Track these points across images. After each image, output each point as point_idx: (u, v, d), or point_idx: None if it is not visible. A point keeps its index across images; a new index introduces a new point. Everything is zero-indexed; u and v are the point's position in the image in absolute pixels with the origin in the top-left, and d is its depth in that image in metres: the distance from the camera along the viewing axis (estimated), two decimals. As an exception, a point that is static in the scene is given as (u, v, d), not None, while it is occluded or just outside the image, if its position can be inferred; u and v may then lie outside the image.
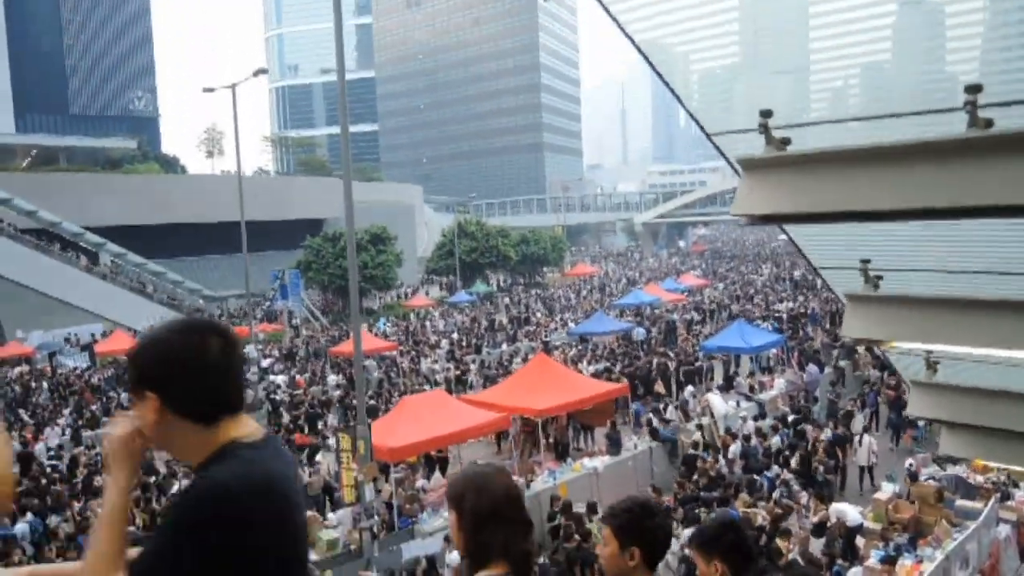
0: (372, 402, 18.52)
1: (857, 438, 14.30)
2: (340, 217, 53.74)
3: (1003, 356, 3.67)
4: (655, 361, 21.18)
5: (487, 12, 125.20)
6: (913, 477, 12.47)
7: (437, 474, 13.48)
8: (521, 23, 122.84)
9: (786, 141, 2.16)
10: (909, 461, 13.30)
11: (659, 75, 2.72)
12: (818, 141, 2.41)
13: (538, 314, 39.42)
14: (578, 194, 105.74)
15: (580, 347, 27.35)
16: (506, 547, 1.80)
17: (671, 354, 22.63)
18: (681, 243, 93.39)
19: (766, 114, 2.17)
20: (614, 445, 14.22)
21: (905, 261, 3.62)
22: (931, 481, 12.60)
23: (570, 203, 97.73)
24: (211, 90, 22.70)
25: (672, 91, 2.75)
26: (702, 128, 2.86)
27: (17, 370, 31.02)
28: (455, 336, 33.30)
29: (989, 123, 1.75)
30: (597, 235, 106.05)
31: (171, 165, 72.81)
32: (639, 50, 2.60)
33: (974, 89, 1.76)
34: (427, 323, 40.16)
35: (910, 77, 2.58)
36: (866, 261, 3.35)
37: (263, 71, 21.49)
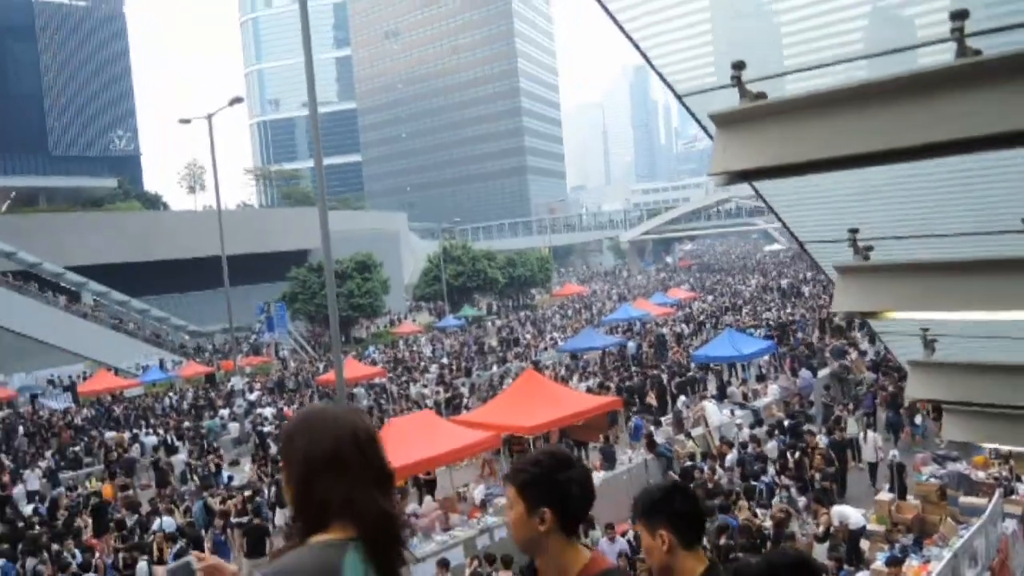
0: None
1: (861, 435, 14.14)
2: (325, 247, 53.56)
3: (1002, 327, 3.49)
4: (648, 375, 20.95)
5: (465, 40, 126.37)
6: (899, 470, 12.24)
7: (428, 498, 13.10)
8: (499, 49, 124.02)
9: (761, 95, 2.05)
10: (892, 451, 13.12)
11: (628, 36, 2.57)
12: (795, 90, 2.26)
13: (528, 335, 39.14)
14: (563, 215, 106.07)
15: (571, 363, 27.09)
16: (350, 504, 1.42)
17: (663, 367, 22.40)
18: (668, 259, 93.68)
19: (738, 66, 2.05)
20: (608, 460, 13.91)
21: (893, 228, 3.45)
22: (932, 480, 12.37)
23: (555, 224, 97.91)
24: (187, 121, 22.52)
25: (640, 51, 2.61)
26: (672, 89, 2.72)
27: (-1, 414, 30.34)
28: (444, 360, 32.94)
29: (977, 52, 1.68)
30: (584, 255, 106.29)
31: (153, 203, 72.44)
32: (606, 10, 2.47)
33: (960, 16, 1.68)
34: (414, 348, 39.78)
35: (889, 12, 2.50)
36: (854, 231, 3.18)
37: (239, 99, 21.33)
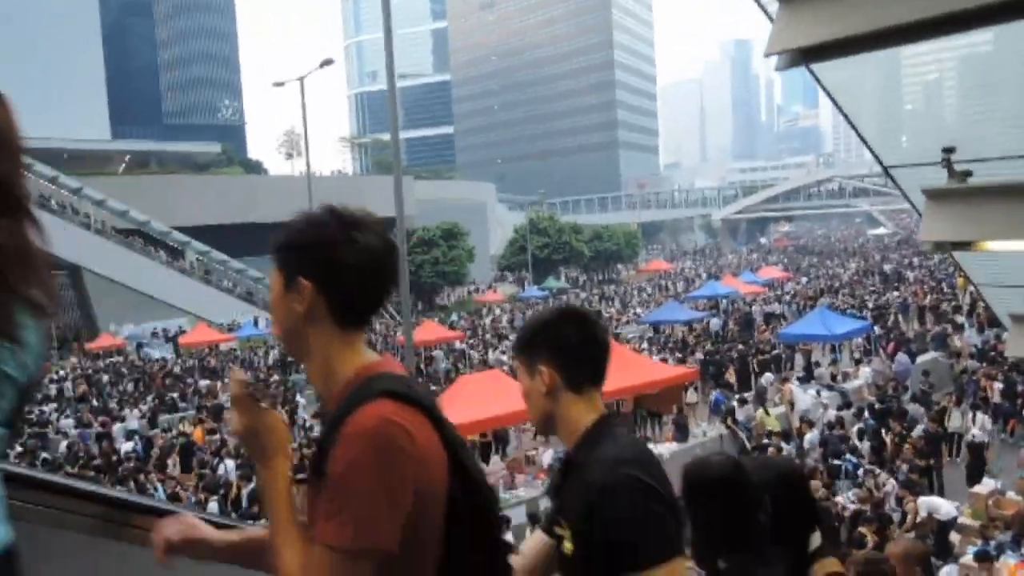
0: (437, 389, 18.33)
1: (969, 418, 13.22)
2: (414, 215, 54.51)
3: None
4: (733, 349, 20.22)
5: (560, 11, 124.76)
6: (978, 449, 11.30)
7: (495, 457, 13.09)
8: (595, 21, 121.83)
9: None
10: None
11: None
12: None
13: (612, 309, 38.62)
14: (654, 191, 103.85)
15: (653, 337, 26.55)
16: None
17: (748, 344, 21.55)
18: (763, 240, 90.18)
19: (949, 150, 2.26)
20: (681, 431, 13.50)
21: (994, 148, 3.07)
22: (1034, 471, 11.38)
23: (645, 200, 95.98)
24: (281, 84, 23.14)
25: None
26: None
27: (109, 361, 32.57)
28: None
29: None
30: (674, 233, 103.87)
31: (254, 168, 75.56)
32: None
33: None
34: (496, 316, 39.99)
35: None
36: (949, 150, 2.80)
37: (329, 62, 21.74)
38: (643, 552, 1.40)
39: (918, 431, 12.75)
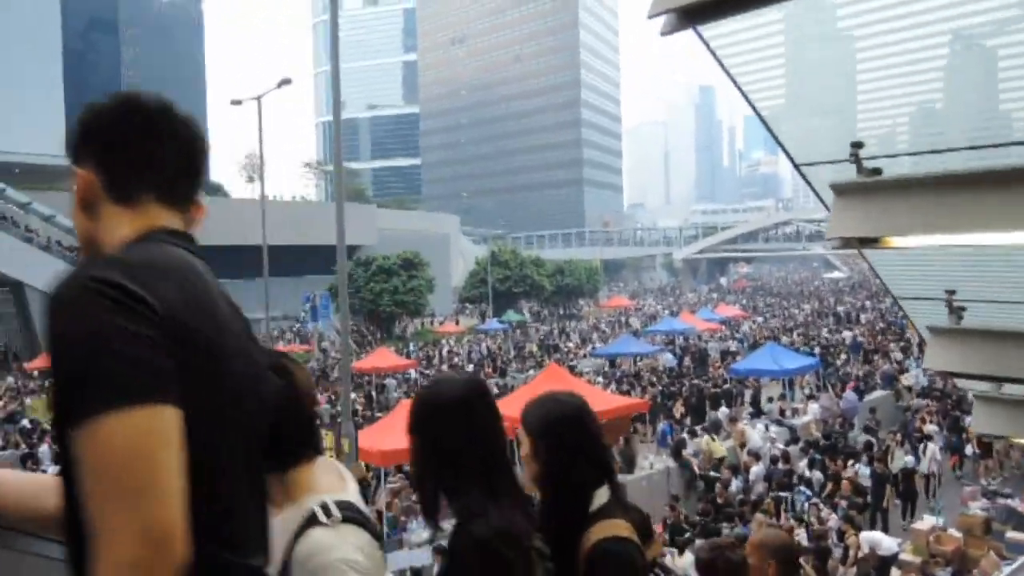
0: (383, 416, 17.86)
1: (921, 447, 13.59)
2: (374, 244, 54.03)
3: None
4: (686, 384, 20.14)
5: (530, 49, 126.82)
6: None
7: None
8: (563, 60, 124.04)
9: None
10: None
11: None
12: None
13: (570, 343, 38.50)
14: (617, 229, 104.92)
15: (608, 372, 26.41)
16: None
17: (700, 380, 21.54)
18: (723, 280, 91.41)
19: (857, 145, 2.25)
20: (627, 463, 13.27)
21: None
22: (979, 512, 11.38)
23: (609, 238, 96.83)
24: (239, 102, 22.83)
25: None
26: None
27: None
28: (480, 359, 32.65)
29: None
30: (637, 271, 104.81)
31: (214, 191, 74.26)
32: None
33: None
34: (453, 347, 39.60)
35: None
36: (858, 145, 2.78)
37: (287, 81, 21.55)
38: (85, 397, 0.90)
39: (863, 469, 12.68)
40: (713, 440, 13.82)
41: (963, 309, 2.87)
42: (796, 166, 2.92)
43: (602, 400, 14.17)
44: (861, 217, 2.27)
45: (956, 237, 2.21)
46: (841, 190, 2.26)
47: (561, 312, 59.32)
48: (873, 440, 14.52)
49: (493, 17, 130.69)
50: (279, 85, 20.96)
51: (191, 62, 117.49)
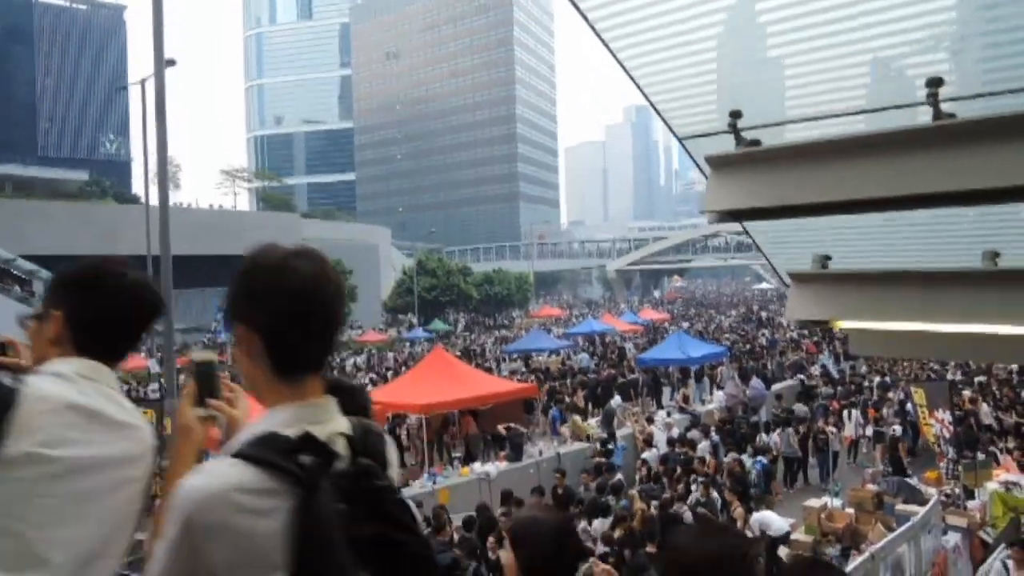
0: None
1: (846, 413, 14.27)
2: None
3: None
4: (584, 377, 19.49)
5: (465, 64, 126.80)
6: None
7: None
8: (498, 75, 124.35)
9: (755, 142, 2.19)
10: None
11: (631, 77, 2.57)
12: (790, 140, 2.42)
13: (497, 351, 37.69)
14: (552, 242, 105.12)
15: (524, 373, 25.61)
16: None
17: (610, 371, 20.90)
18: (656, 292, 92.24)
19: (735, 115, 2.21)
20: (514, 450, 12.39)
21: (855, 247, 3.36)
22: (870, 486, 10.93)
23: (543, 251, 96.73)
24: (124, 88, 21.31)
25: (643, 93, 2.62)
26: (673, 132, 2.82)
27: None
28: (397, 364, 31.52)
29: (951, 115, 1.81)
30: (572, 284, 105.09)
31: (130, 201, 71.07)
32: (611, 52, 2.45)
33: (935, 83, 1.83)
34: (370, 355, 38.43)
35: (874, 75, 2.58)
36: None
37: (172, 63, 20.14)
38: None
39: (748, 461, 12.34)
40: (584, 420, 13.15)
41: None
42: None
43: (489, 384, 13.33)
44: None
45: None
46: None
47: (492, 322, 58.44)
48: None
49: (427, 32, 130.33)
50: (166, 65, 19.49)
51: (114, 74, 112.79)
